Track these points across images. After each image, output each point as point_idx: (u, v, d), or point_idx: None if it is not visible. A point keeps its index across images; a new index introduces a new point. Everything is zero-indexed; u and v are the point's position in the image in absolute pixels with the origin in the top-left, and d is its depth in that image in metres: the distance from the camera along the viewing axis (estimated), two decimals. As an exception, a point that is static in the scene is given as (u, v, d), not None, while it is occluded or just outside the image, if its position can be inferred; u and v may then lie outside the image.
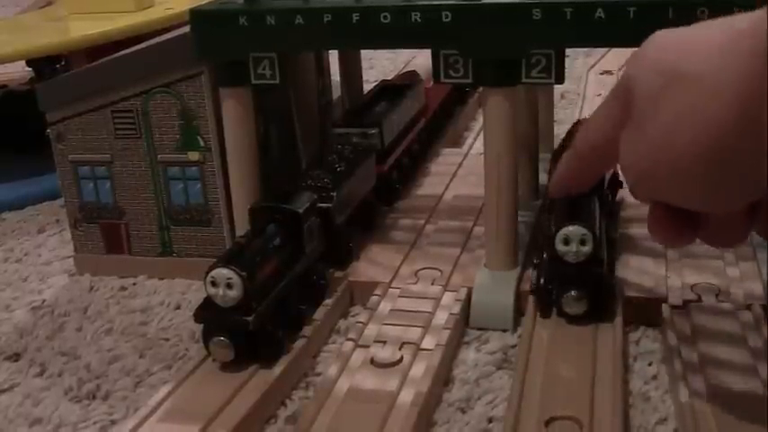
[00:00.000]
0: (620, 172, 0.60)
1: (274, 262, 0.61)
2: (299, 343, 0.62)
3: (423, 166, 0.97)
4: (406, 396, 0.55)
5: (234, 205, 0.75)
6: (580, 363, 0.58)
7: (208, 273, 0.58)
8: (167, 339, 0.68)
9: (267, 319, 0.59)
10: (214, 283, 0.57)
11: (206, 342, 0.59)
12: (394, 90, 0.95)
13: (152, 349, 0.67)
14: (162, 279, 0.78)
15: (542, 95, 0.90)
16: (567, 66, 0.66)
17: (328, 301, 0.68)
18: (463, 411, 0.57)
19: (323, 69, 0.92)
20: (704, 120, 0.39)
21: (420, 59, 1.19)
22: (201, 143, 0.75)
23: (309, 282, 0.67)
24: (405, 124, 0.91)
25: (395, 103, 0.90)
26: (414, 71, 1.02)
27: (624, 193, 0.86)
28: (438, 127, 1.07)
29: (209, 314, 0.59)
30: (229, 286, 0.57)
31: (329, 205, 0.70)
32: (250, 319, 0.57)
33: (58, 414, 0.59)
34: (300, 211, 0.65)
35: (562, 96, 1.27)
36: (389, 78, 1.07)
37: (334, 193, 0.71)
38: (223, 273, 0.57)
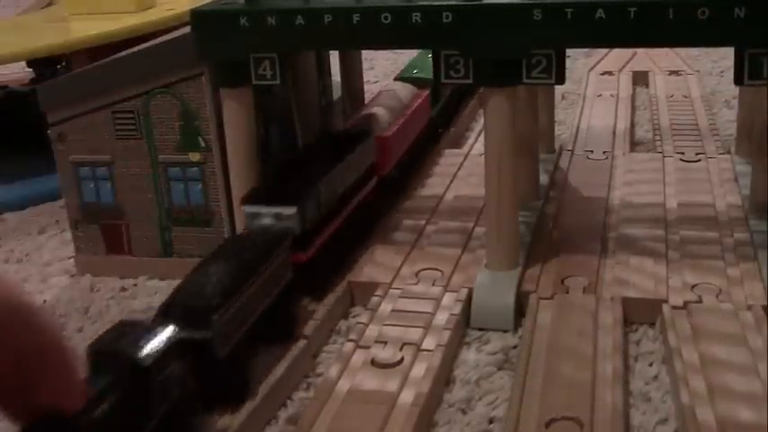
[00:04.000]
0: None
1: None
2: (300, 344, 0.62)
3: (362, 244, 0.78)
4: (407, 397, 0.55)
5: (234, 206, 0.75)
6: (581, 363, 0.58)
7: None
8: (168, 340, 0.68)
9: None
10: None
11: None
12: (335, 142, 0.78)
13: (153, 350, 0.67)
14: (163, 280, 0.78)
15: (543, 96, 0.90)
16: (567, 66, 0.66)
17: (329, 302, 0.68)
18: (464, 412, 0.57)
19: (324, 70, 0.92)
20: None
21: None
22: (202, 144, 0.75)
23: None
24: (341, 193, 0.73)
25: (330, 165, 0.72)
26: (372, 115, 0.85)
27: (623, 192, 0.86)
28: (397, 186, 0.88)
29: None
30: None
31: (208, 335, 0.51)
32: None
33: (58, 415, 0.59)
34: (148, 363, 0.45)
35: (563, 97, 1.27)
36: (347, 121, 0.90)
37: (216, 316, 0.51)
38: None
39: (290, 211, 0.64)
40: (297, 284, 0.64)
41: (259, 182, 0.72)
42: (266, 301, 0.58)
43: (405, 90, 0.96)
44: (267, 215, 0.65)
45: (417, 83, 1.00)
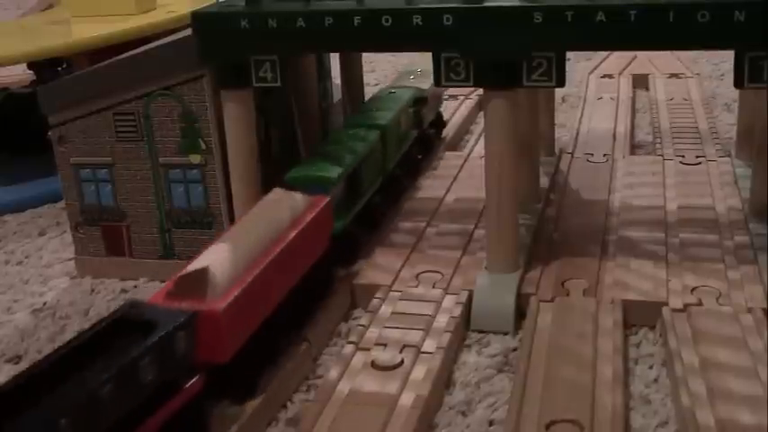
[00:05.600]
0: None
1: None
2: (301, 346, 0.62)
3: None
4: (407, 399, 0.55)
5: (235, 208, 0.75)
6: (581, 366, 0.58)
7: None
8: (168, 342, 0.68)
9: None
10: None
11: None
12: (117, 337, 0.48)
13: (153, 352, 0.67)
14: (163, 282, 0.78)
15: (543, 98, 0.90)
16: (567, 69, 0.66)
17: (329, 304, 0.68)
18: (464, 414, 0.57)
19: (324, 72, 0.92)
20: None
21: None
22: (203, 146, 0.75)
23: None
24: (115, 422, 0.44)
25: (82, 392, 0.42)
26: (204, 270, 0.53)
27: (623, 195, 0.86)
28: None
29: None
30: None
31: None
32: None
33: (58, 416, 0.59)
34: None
35: (563, 100, 1.27)
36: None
37: None
38: None
39: None
40: None
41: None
42: None
43: (288, 205, 0.64)
44: None
45: (318, 184, 0.71)
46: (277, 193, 0.67)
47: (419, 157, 0.97)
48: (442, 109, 1.09)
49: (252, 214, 0.63)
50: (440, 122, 1.08)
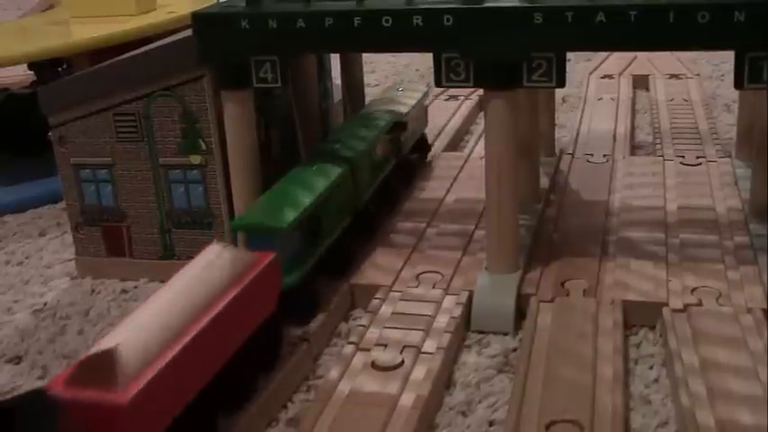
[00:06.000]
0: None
1: None
2: (301, 346, 0.62)
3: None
4: (407, 399, 0.55)
5: (235, 208, 0.75)
6: (581, 366, 0.58)
7: None
8: (168, 342, 0.68)
9: None
10: None
11: None
12: None
13: (153, 352, 0.67)
14: (163, 282, 0.78)
15: (543, 99, 0.90)
16: (567, 70, 0.66)
17: (330, 304, 0.68)
18: (464, 415, 0.57)
19: (324, 72, 0.92)
20: None
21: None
22: (203, 146, 0.75)
23: None
24: None
25: None
26: (103, 356, 0.45)
27: (623, 195, 0.86)
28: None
29: None
30: None
31: None
32: None
33: (59, 416, 0.59)
34: None
35: (563, 100, 1.27)
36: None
37: None
38: None
39: None
40: None
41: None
42: None
43: (224, 266, 0.56)
44: None
45: (265, 234, 0.62)
46: (212, 251, 0.57)
47: (396, 187, 0.88)
48: (426, 130, 1.00)
49: (180, 278, 0.54)
50: (424, 146, 0.99)
